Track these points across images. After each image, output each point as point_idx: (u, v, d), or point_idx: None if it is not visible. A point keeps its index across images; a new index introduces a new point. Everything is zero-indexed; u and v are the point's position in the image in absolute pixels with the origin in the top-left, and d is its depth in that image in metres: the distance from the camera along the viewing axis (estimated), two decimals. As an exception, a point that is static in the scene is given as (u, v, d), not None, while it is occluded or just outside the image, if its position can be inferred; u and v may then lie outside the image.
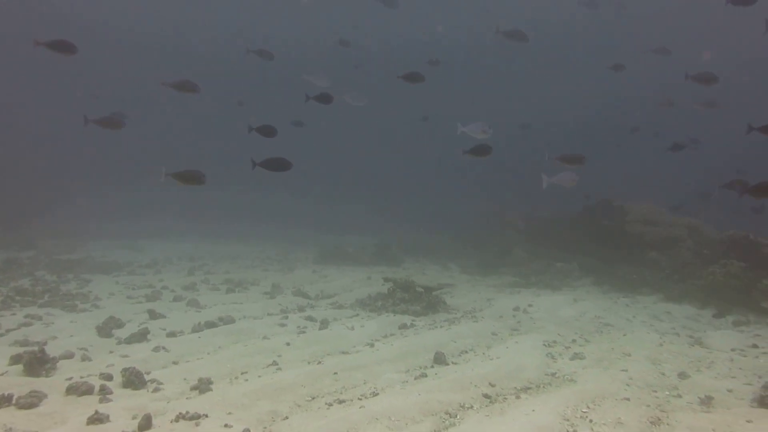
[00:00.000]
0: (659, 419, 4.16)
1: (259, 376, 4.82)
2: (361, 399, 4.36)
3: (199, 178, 6.16)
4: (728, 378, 5.25)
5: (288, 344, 5.80)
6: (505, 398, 4.57)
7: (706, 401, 4.61)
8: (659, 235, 10.58)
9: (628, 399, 4.57)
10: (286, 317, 7.23)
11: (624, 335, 6.88)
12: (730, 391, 4.84)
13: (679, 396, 4.81)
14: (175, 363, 5.20)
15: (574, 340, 6.59)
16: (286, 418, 3.98)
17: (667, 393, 4.87)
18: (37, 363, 4.65)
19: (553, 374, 5.26)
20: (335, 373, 4.91)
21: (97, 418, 3.61)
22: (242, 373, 4.93)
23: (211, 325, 6.58)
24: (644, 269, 10.29)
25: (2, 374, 4.59)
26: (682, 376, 5.30)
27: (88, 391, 4.19)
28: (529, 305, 8.61)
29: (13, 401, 3.87)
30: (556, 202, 14.86)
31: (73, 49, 6.92)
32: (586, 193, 15.30)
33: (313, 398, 4.39)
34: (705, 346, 6.55)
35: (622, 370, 5.35)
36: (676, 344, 6.52)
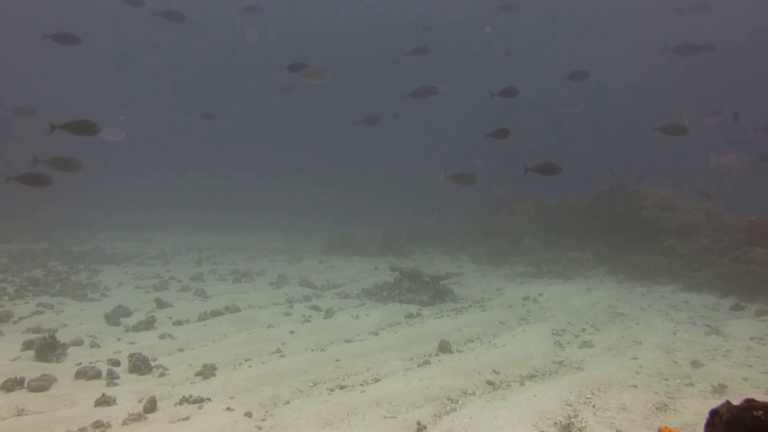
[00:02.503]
0: (666, 405, 4.24)
1: (263, 363, 5.00)
2: (362, 385, 4.51)
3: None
4: (744, 366, 5.28)
5: (292, 332, 5.97)
6: (509, 385, 4.68)
7: (719, 389, 4.66)
8: (677, 222, 10.51)
9: (635, 386, 4.64)
10: (292, 306, 7.42)
11: (637, 324, 6.91)
12: (745, 379, 4.88)
13: (691, 384, 4.87)
14: (180, 350, 5.40)
15: (584, 329, 6.66)
16: (288, 402, 4.14)
17: (679, 381, 4.93)
18: (48, 349, 4.89)
19: (561, 362, 5.35)
20: (338, 360, 5.06)
21: (104, 401, 3.82)
22: (246, 360, 5.12)
23: (216, 314, 6.79)
24: (661, 257, 10.25)
25: (15, 359, 4.83)
26: (696, 364, 5.35)
27: (96, 375, 4.40)
28: (540, 294, 8.68)
29: (25, 384, 4.10)
30: (568, 189, 14.83)
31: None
32: (612, 168, 15.18)
33: (315, 384, 4.55)
34: (722, 335, 6.56)
35: (632, 359, 5.41)
36: (691, 333, 6.55)
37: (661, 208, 10.77)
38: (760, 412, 1.91)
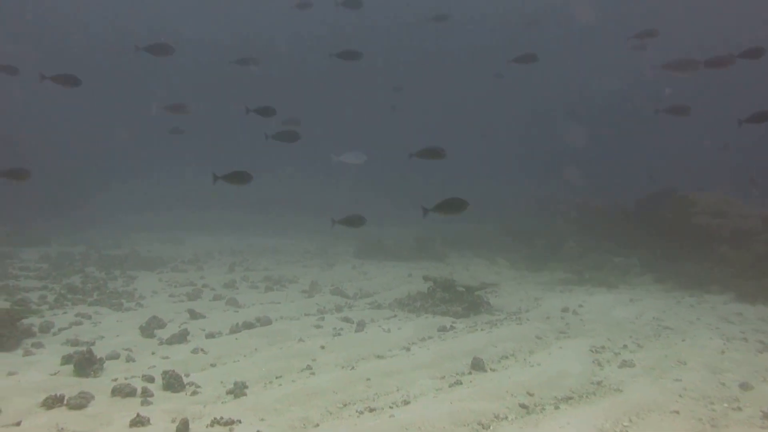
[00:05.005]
0: (708, 435, 4.18)
1: (293, 381, 5.17)
2: (392, 407, 4.60)
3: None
4: (799, 389, 5.14)
5: (323, 347, 6.12)
6: (543, 408, 4.69)
7: (770, 415, 4.56)
8: (730, 228, 10.19)
9: (677, 412, 4.59)
10: (323, 318, 7.59)
11: (683, 340, 6.78)
12: (800, 404, 4.76)
13: (739, 409, 4.78)
14: (212, 365, 5.64)
15: (625, 346, 6.57)
16: (317, 425, 4.28)
17: (726, 405, 4.84)
18: (86, 364, 5.19)
19: (599, 383, 5.32)
20: (368, 379, 5.18)
21: (138, 421, 4.05)
22: (276, 378, 5.29)
23: (248, 326, 7.02)
24: (714, 265, 9.97)
25: (55, 374, 5.16)
26: (745, 386, 5.24)
27: (131, 393, 4.66)
28: (580, 305, 8.58)
29: (65, 402, 4.39)
30: (613, 190, 14.52)
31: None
32: (651, 174, 14.83)
33: (345, 405, 4.68)
34: (776, 353, 6.38)
35: (676, 380, 5.33)
36: (741, 351, 6.38)
37: (713, 214, 10.46)
38: None
